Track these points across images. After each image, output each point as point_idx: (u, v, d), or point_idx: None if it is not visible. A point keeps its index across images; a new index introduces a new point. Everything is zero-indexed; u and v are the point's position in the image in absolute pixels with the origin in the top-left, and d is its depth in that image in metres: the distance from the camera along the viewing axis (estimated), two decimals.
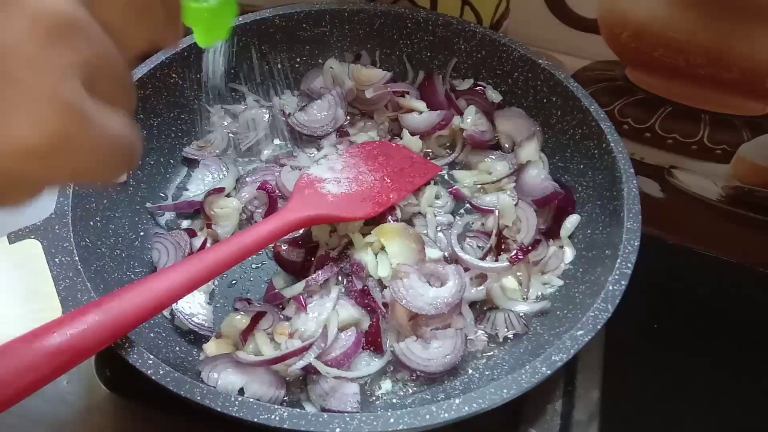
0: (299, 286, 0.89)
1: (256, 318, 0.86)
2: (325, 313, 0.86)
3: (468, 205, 1.04)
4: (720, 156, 1.06)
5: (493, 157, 1.10)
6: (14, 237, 0.80)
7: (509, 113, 1.09)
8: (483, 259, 0.95)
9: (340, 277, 0.93)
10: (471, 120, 1.08)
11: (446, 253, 0.96)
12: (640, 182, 1.13)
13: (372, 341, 0.86)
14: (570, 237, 0.97)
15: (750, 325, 1.07)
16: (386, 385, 0.85)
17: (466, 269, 0.93)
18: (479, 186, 1.06)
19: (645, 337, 1.05)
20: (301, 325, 0.85)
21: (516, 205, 1.00)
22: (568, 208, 0.99)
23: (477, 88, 1.11)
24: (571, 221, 0.97)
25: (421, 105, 1.11)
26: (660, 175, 1.14)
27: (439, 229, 1.01)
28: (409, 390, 0.84)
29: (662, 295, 1.08)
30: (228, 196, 1.04)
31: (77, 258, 0.78)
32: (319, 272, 0.90)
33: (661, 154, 1.10)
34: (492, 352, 0.88)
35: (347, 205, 0.94)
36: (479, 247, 0.98)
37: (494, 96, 1.10)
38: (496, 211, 0.99)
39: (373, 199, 0.96)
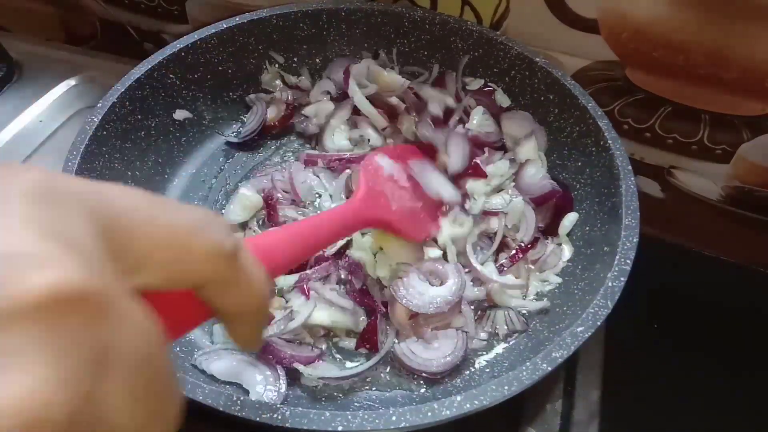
0: (292, 279, 0.89)
1: None
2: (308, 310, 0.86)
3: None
4: (720, 156, 1.06)
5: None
6: None
7: (516, 116, 1.09)
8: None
9: (341, 275, 0.92)
10: (477, 120, 1.07)
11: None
12: (641, 182, 1.13)
13: (368, 339, 0.86)
14: (568, 234, 0.97)
15: (750, 325, 1.07)
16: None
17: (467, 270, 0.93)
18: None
19: (645, 337, 1.05)
20: (298, 306, 0.86)
21: None
22: (566, 206, 0.99)
23: (486, 88, 1.11)
24: (570, 219, 0.97)
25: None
26: (660, 175, 1.14)
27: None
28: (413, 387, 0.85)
29: (662, 295, 1.08)
30: None
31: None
32: (315, 268, 0.90)
33: (661, 154, 1.11)
34: (492, 351, 0.88)
35: (408, 222, 0.90)
36: (480, 248, 0.98)
37: (503, 100, 1.09)
38: (502, 213, 0.98)
39: (427, 220, 0.93)
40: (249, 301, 0.41)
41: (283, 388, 0.80)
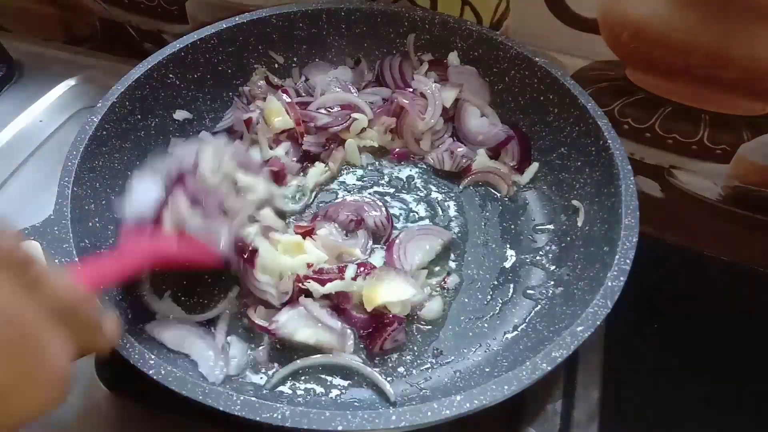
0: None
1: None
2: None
3: None
4: (720, 156, 1.06)
5: None
6: None
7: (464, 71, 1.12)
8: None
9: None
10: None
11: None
12: (640, 182, 1.13)
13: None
14: (568, 233, 0.98)
15: (750, 325, 1.07)
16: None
17: None
18: None
19: (645, 337, 1.05)
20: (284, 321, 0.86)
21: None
22: (528, 145, 1.08)
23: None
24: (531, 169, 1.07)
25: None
26: (660, 175, 1.14)
27: None
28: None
29: (662, 295, 1.08)
30: None
31: (77, 259, 0.78)
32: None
33: (661, 154, 1.11)
34: (492, 343, 0.89)
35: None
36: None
37: (454, 60, 1.12)
38: None
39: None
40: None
41: (228, 369, 0.83)
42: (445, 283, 0.94)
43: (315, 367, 0.85)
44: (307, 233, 0.93)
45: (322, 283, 0.87)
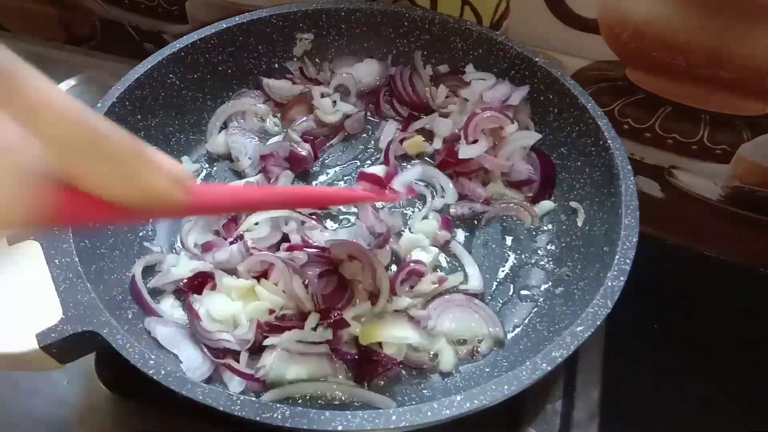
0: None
1: None
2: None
3: None
4: (720, 156, 1.06)
5: None
6: (13, 238, 0.79)
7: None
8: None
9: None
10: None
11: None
12: (640, 182, 1.13)
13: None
14: (568, 233, 0.98)
15: (750, 325, 1.07)
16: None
17: None
18: None
19: (645, 337, 1.05)
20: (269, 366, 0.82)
21: None
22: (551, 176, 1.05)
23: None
24: (544, 207, 1.03)
25: None
26: (660, 175, 1.14)
27: None
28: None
29: (662, 295, 1.08)
30: None
31: (77, 259, 0.78)
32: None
33: (661, 154, 1.11)
34: (490, 351, 0.88)
35: None
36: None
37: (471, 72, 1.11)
38: None
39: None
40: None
41: (207, 372, 0.82)
42: (476, 352, 0.87)
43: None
44: (261, 276, 0.89)
45: (281, 331, 0.83)
